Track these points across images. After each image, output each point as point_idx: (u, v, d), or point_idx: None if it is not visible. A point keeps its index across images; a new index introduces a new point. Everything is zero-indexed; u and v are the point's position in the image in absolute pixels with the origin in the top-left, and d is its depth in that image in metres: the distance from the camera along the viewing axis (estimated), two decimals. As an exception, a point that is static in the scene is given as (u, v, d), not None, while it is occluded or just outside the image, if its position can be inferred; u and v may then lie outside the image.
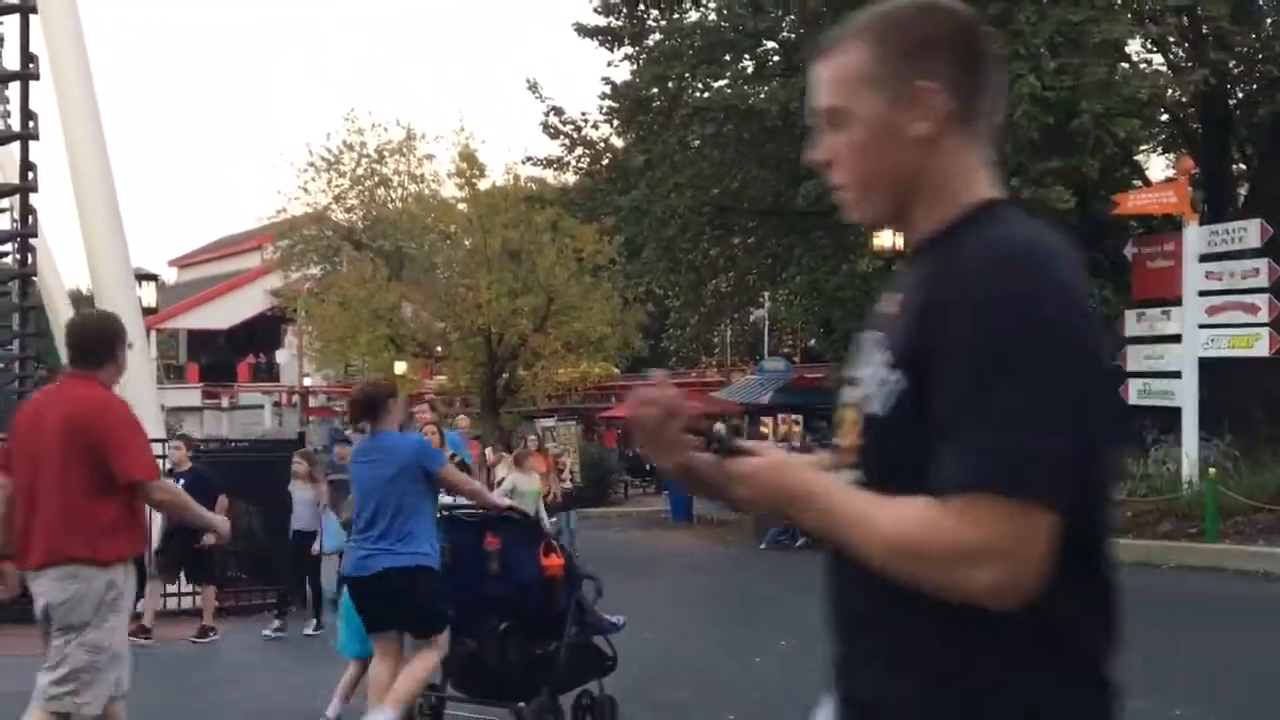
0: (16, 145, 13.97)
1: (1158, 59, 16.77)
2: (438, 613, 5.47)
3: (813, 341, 32.61)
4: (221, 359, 46.05)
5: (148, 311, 16.31)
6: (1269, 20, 15.45)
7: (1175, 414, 14.27)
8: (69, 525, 4.03)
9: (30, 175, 13.80)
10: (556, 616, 5.65)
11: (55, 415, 4.14)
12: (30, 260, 14.79)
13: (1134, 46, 16.31)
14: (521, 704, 5.51)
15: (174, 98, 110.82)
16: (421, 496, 5.43)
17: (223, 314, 46.39)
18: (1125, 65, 15.90)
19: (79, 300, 31.99)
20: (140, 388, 11.48)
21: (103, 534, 4.05)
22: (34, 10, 12.50)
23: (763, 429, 26.25)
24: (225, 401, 43.44)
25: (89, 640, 4.01)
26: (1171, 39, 15.49)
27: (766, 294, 26.90)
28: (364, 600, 5.49)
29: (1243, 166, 17.86)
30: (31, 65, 12.87)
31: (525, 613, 5.66)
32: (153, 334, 31.76)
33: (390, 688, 5.28)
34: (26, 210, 14.13)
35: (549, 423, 28.23)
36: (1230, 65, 14.62)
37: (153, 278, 17.31)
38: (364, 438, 5.81)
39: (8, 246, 15.69)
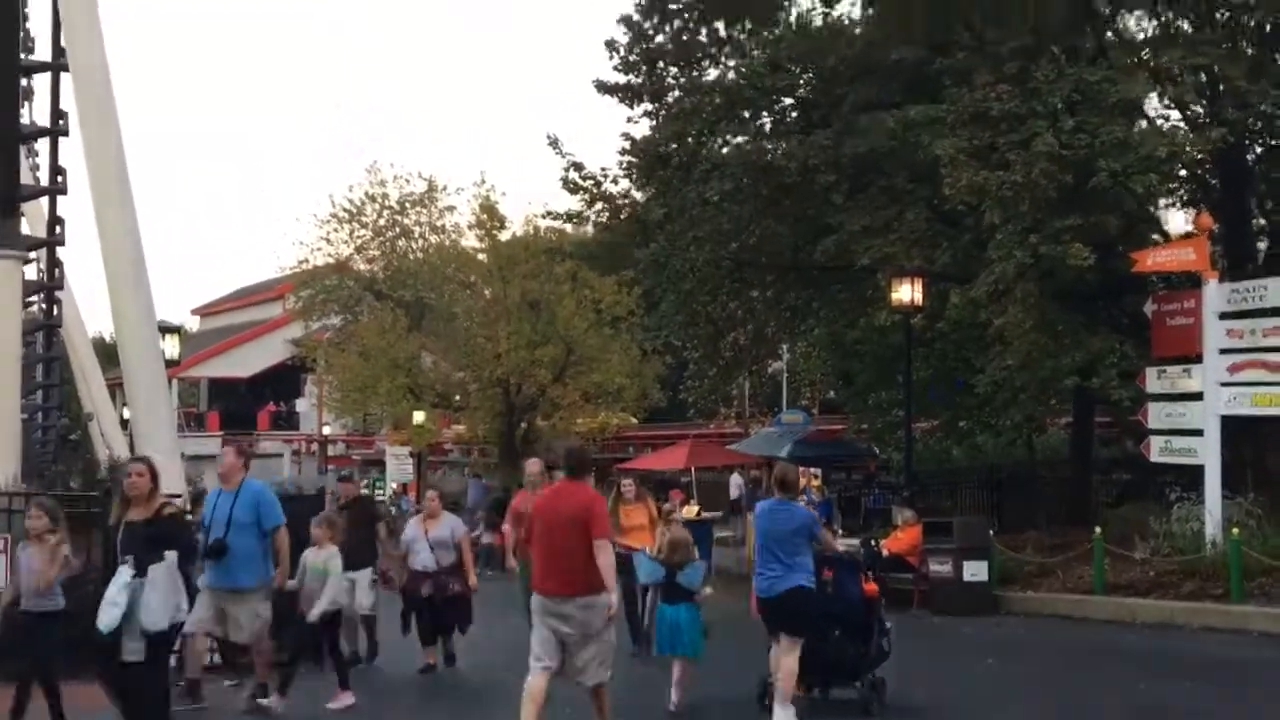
0: (45, 199, 14.20)
1: (1175, 114, 16.84)
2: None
3: (831, 394, 32.52)
4: (242, 407, 46.28)
5: (170, 363, 16.45)
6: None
7: (1198, 472, 14.14)
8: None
9: (58, 229, 14.02)
10: (870, 624, 8.21)
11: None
12: (56, 312, 14.98)
13: (1152, 103, 16.39)
14: (857, 683, 8.10)
15: (201, 146, 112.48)
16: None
17: (244, 362, 46.69)
18: (1143, 123, 15.96)
19: (102, 349, 32.31)
20: (161, 437, 11.57)
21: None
22: (65, 69, 12.76)
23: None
24: (245, 450, 43.60)
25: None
26: (1188, 97, 15.55)
27: (785, 346, 26.91)
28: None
29: (1262, 222, 17.83)
30: (61, 122, 13.12)
31: (853, 622, 8.18)
32: (174, 382, 31.96)
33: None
34: (53, 263, 14.34)
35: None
36: (1249, 122, 14.65)
37: (176, 330, 17.50)
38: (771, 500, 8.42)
39: (34, 297, 15.91)
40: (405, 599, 10.57)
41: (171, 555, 6.68)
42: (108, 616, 6.44)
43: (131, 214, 12.71)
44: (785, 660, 7.48)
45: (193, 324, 57.40)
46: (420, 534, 10.58)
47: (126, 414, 19.65)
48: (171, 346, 16.46)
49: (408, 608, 10.55)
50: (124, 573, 6.54)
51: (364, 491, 15.27)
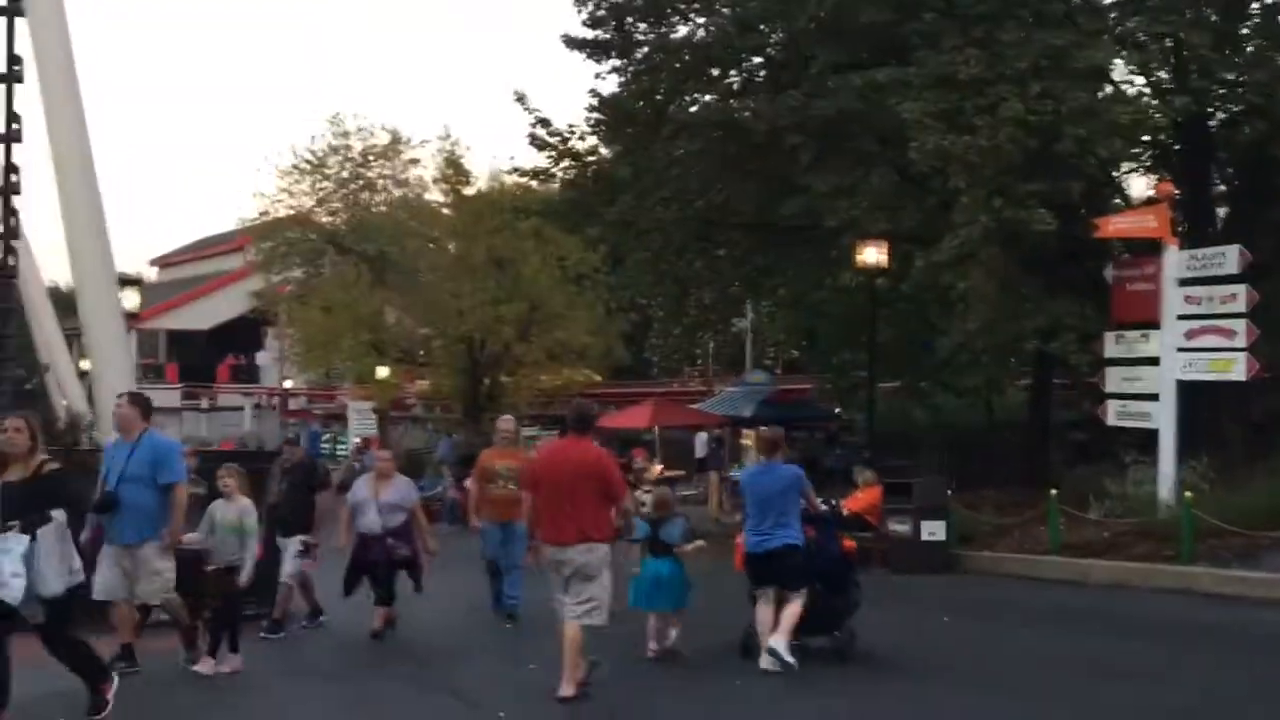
0: (0, 147, 13.89)
1: (1140, 80, 16.94)
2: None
3: (795, 354, 32.71)
4: (202, 360, 45.83)
5: (130, 316, 16.25)
6: (1249, 48, 15.62)
7: (1153, 435, 14.38)
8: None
9: (14, 177, 13.72)
10: (847, 578, 8.82)
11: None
12: (12, 262, 14.70)
13: (1118, 70, 16.46)
14: (836, 633, 8.63)
15: (159, 94, 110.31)
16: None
17: (204, 315, 46.19)
18: (1109, 89, 16.04)
19: (59, 299, 31.80)
20: (120, 388, 11.43)
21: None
22: (20, 14, 12.44)
23: (745, 441, 26.27)
24: (205, 403, 43.24)
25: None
26: (1153, 64, 15.63)
27: (749, 306, 26.98)
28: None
29: (1223, 189, 18.03)
30: (16, 68, 12.80)
31: (832, 577, 8.67)
32: (133, 333, 31.55)
33: (774, 625, 8.16)
34: (9, 212, 14.04)
35: (531, 431, 28.18)
36: (1212, 90, 14.77)
37: (136, 282, 17.26)
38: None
39: (-11, 246, 15.59)
40: (351, 562, 10.02)
41: (59, 515, 6.39)
42: (14, 590, 6.11)
43: (89, 163, 12.53)
44: (789, 609, 8.22)
45: (151, 275, 56.62)
46: (369, 495, 10.01)
47: (85, 365, 19.42)
48: (131, 298, 16.25)
49: (352, 571, 10.00)
50: (16, 540, 6.17)
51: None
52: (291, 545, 10.02)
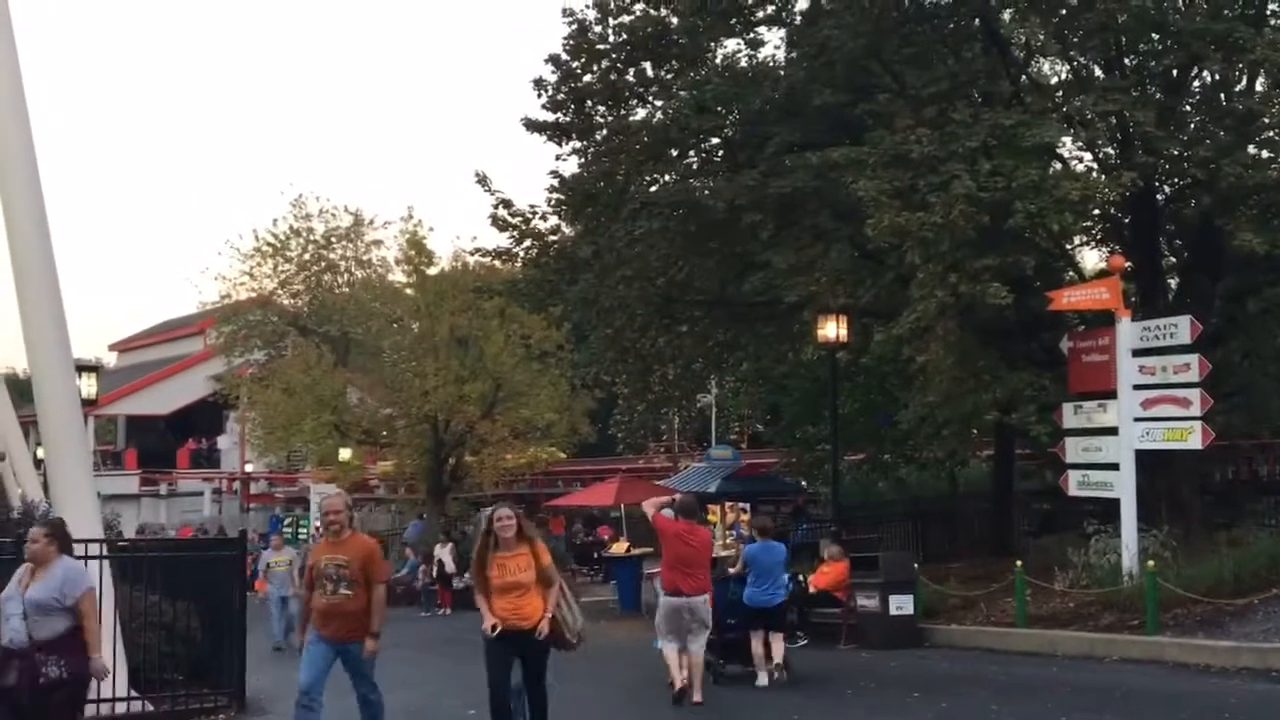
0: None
1: (1088, 157, 17.37)
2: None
3: (759, 428, 32.78)
4: (161, 445, 45.24)
5: (87, 402, 16.05)
6: (1191, 124, 16.09)
7: (1115, 504, 14.49)
8: None
9: (-31, 265, 13.61)
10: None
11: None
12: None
13: (1066, 146, 16.88)
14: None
15: (120, 178, 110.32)
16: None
17: (164, 399, 45.73)
18: (1058, 165, 16.42)
19: (14, 384, 31.37)
20: (76, 478, 11.25)
21: None
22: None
23: (710, 517, 26.17)
24: (164, 489, 42.60)
25: None
26: (1100, 142, 16.05)
27: (713, 381, 27.07)
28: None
29: (1173, 261, 18.43)
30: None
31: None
32: (91, 419, 31.13)
33: (767, 657, 11.62)
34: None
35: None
36: (1158, 165, 15.17)
37: (94, 369, 17.11)
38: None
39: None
40: None
41: None
42: None
43: (48, 248, 12.40)
44: (776, 646, 11.58)
45: (110, 360, 56.07)
46: (15, 591, 7.01)
47: (40, 453, 19.09)
48: (88, 385, 16.08)
49: None
50: None
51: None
52: None
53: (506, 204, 19.59)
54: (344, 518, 7.89)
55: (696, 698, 10.12)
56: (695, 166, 18.40)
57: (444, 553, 23.99)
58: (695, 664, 10.26)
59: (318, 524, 34.74)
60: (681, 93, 17.45)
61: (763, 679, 11.41)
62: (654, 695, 10.81)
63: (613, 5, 17.52)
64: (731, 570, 12.55)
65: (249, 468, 41.71)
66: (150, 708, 9.64)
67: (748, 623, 11.63)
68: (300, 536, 32.15)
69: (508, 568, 7.73)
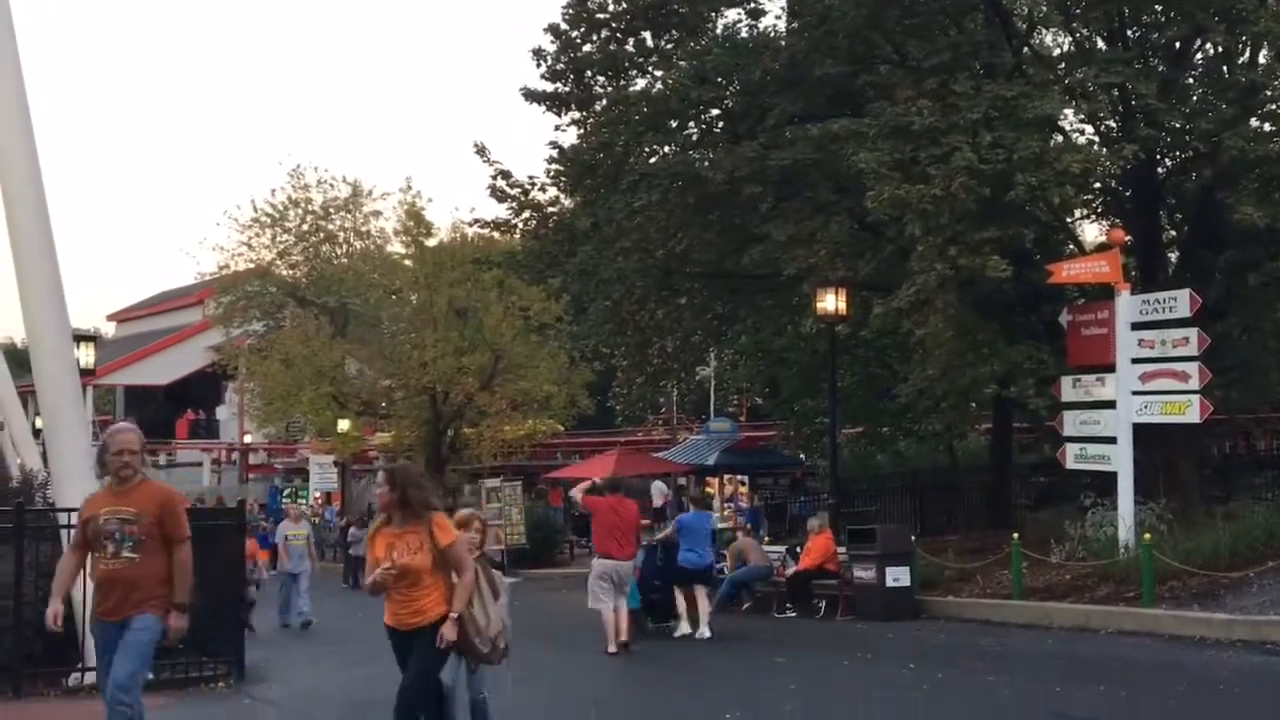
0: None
1: (1089, 129, 17.28)
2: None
3: (759, 401, 32.80)
4: (160, 416, 45.26)
5: (85, 372, 16.03)
6: (1194, 96, 16.00)
7: (1112, 478, 14.52)
8: None
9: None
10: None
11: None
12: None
13: (1067, 119, 16.79)
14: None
15: (118, 148, 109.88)
16: None
17: (162, 370, 45.71)
18: (1059, 138, 16.34)
19: (12, 354, 31.38)
20: (75, 447, 11.27)
21: None
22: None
23: (708, 490, 26.24)
24: (162, 459, 42.68)
25: None
26: (1102, 114, 15.96)
27: (712, 354, 27.07)
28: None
29: (1173, 234, 18.37)
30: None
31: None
32: (89, 390, 31.14)
33: (692, 608, 13.44)
34: (-39, 269, 13.89)
35: (494, 482, 28.00)
36: (1159, 138, 15.09)
37: (92, 339, 17.07)
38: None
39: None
40: None
41: None
42: None
43: (45, 218, 12.36)
44: (703, 602, 13.46)
45: (109, 330, 56.02)
46: None
47: (39, 423, 19.10)
48: (86, 355, 16.05)
49: None
50: None
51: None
52: None
53: (505, 175, 19.51)
54: (137, 460, 6.24)
55: (625, 637, 12.00)
56: (695, 138, 18.29)
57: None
58: (624, 614, 12.15)
59: (317, 494, 34.79)
60: (681, 63, 17.33)
61: (704, 630, 13.14)
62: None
63: (613, -26, 17.39)
64: (659, 537, 14.62)
65: (248, 439, 41.77)
66: (149, 675, 9.66)
67: (681, 580, 13.56)
68: (301, 506, 32.19)
69: (395, 547, 6.18)
